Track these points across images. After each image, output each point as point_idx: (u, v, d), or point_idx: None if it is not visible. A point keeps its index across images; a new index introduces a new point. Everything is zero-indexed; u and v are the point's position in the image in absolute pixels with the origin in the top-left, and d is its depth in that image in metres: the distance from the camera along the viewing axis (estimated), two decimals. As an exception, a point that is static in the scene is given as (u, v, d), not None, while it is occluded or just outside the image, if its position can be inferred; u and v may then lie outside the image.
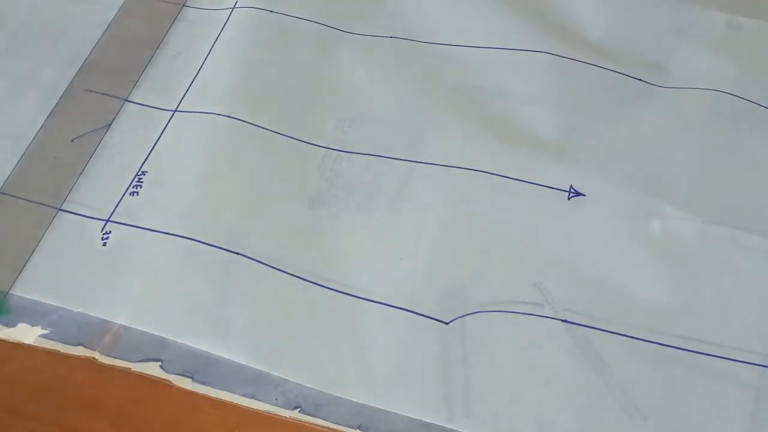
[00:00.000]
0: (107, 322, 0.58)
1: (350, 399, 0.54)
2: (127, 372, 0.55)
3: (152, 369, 0.55)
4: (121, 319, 0.58)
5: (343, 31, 0.73)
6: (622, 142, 0.64)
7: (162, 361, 0.56)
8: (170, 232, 0.61)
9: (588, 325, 0.55)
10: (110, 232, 0.62)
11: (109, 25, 0.75)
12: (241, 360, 0.56)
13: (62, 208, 0.64)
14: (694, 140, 0.63)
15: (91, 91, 0.68)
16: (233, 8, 0.75)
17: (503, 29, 0.71)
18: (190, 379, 0.55)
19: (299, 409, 0.54)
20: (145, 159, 0.66)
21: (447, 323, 0.56)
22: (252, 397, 0.55)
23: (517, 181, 0.62)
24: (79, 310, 0.59)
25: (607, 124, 0.65)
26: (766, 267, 0.57)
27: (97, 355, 0.56)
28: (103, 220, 0.63)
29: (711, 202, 0.60)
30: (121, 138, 0.68)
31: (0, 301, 0.58)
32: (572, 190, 0.61)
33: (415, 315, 0.56)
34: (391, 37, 0.72)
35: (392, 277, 0.58)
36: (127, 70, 0.71)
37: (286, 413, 0.54)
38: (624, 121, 0.65)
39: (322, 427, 0.53)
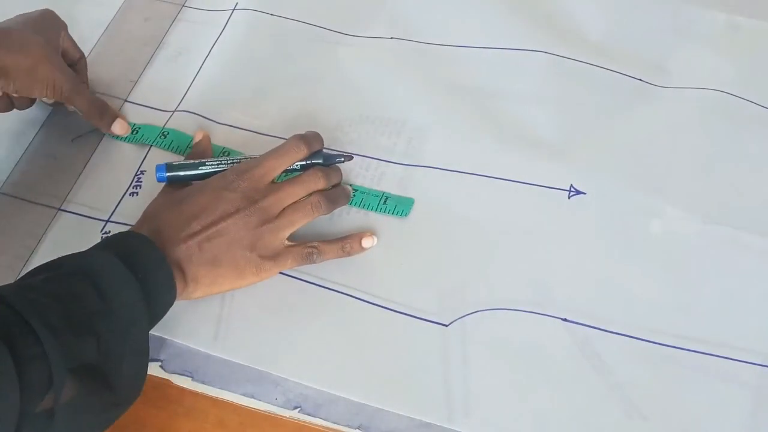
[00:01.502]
0: (107, 322, 0.58)
1: (350, 399, 0.54)
2: (126, 372, 0.55)
3: (152, 368, 0.55)
4: (120, 319, 0.58)
5: (343, 33, 0.73)
6: (622, 141, 0.64)
7: (162, 361, 0.56)
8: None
9: (588, 324, 0.55)
10: (109, 232, 0.62)
11: (109, 25, 0.75)
12: (241, 360, 0.56)
13: (62, 208, 0.64)
14: (694, 140, 0.63)
15: (91, 91, 0.68)
16: (233, 9, 0.75)
17: (503, 30, 0.71)
18: (190, 378, 0.55)
19: (299, 409, 0.54)
20: (144, 158, 0.66)
21: (447, 325, 0.56)
22: (252, 396, 0.55)
23: (517, 183, 0.62)
24: (78, 310, 0.58)
25: (606, 123, 0.65)
26: (766, 267, 0.57)
27: (96, 355, 0.56)
28: (103, 220, 0.63)
29: (711, 202, 0.60)
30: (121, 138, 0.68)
31: None
32: (572, 189, 0.61)
33: (415, 318, 0.56)
34: (391, 38, 0.72)
35: (392, 279, 0.58)
36: (126, 70, 0.71)
37: (286, 413, 0.54)
38: (624, 121, 0.65)
39: (322, 427, 0.53)
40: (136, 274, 0.50)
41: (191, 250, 0.54)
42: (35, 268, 0.51)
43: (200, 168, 0.60)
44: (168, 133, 0.66)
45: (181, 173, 0.60)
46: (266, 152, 0.59)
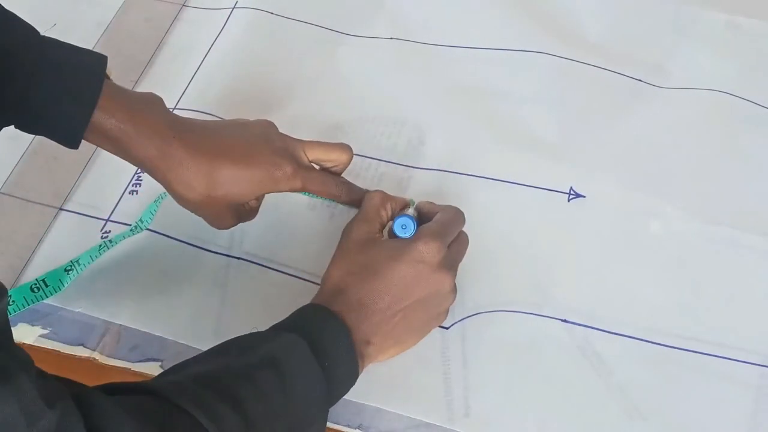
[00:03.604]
0: (107, 322, 0.58)
1: (350, 399, 0.54)
2: (127, 372, 0.55)
3: (152, 369, 0.55)
4: (121, 320, 0.58)
5: (343, 33, 0.73)
6: (621, 142, 0.64)
7: (162, 361, 0.56)
8: (169, 234, 0.62)
9: (588, 325, 0.55)
10: (110, 231, 0.62)
11: (109, 25, 0.75)
12: (241, 360, 0.56)
13: (62, 207, 0.64)
14: (694, 140, 0.63)
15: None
16: (233, 9, 0.75)
17: (503, 30, 0.71)
18: (190, 379, 0.55)
19: (299, 408, 0.54)
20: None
21: (447, 328, 0.56)
22: (252, 396, 0.54)
23: (517, 185, 0.62)
24: (79, 310, 0.58)
25: (606, 125, 0.65)
26: (766, 267, 0.57)
27: (97, 355, 0.56)
28: (103, 219, 0.63)
29: (711, 202, 0.60)
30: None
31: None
32: (572, 192, 0.61)
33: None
34: (390, 38, 0.72)
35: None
36: (126, 70, 0.71)
37: (286, 413, 0.54)
38: (624, 122, 0.65)
39: (322, 426, 0.53)
40: (322, 364, 0.47)
41: (385, 325, 0.51)
42: (226, 343, 0.47)
43: None
44: None
45: None
46: (429, 227, 0.54)
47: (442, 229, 0.54)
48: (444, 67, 0.70)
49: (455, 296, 0.54)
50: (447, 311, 0.55)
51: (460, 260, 0.55)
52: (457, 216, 0.56)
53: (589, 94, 0.67)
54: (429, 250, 0.52)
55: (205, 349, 0.55)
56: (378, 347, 0.51)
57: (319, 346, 0.47)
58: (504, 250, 0.59)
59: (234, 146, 0.54)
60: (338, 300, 0.51)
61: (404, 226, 0.53)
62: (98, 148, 0.66)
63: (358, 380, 0.53)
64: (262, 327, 0.56)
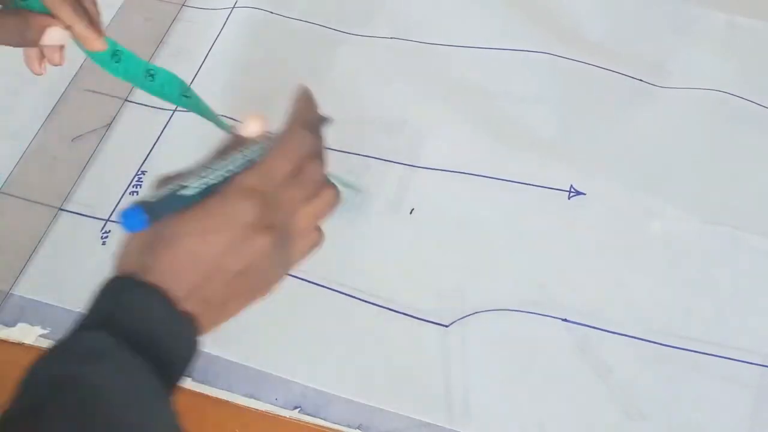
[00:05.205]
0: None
1: (350, 399, 0.54)
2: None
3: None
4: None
5: (343, 32, 0.73)
6: (621, 142, 0.64)
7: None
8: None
9: (588, 324, 0.55)
10: (110, 231, 0.62)
11: (109, 25, 0.75)
12: (241, 360, 0.56)
13: (62, 207, 0.64)
14: (694, 140, 0.63)
15: (91, 90, 0.68)
16: (233, 8, 0.75)
17: (503, 30, 0.71)
18: (190, 378, 0.55)
19: (299, 409, 0.54)
20: (145, 158, 0.66)
21: (447, 326, 0.56)
22: (252, 397, 0.55)
23: (517, 184, 0.62)
24: (79, 310, 0.58)
25: (606, 124, 0.65)
26: (766, 267, 0.57)
27: (96, 355, 0.56)
28: (103, 219, 0.63)
29: (711, 202, 0.60)
30: (121, 138, 0.67)
31: None
32: (572, 190, 0.61)
33: (415, 319, 0.57)
34: (391, 38, 0.72)
35: (392, 279, 0.58)
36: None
37: (286, 413, 0.54)
38: (624, 121, 0.65)
39: (322, 427, 0.53)
40: (148, 352, 0.38)
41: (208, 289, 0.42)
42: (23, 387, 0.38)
43: (182, 192, 0.41)
44: (155, 74, 0.52)
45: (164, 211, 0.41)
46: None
47: (262, 179, 0.43)
48: (444, 67, 0.70)
49: (290, 260, 0.44)
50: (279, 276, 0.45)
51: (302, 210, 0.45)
52: (288, 152, 0.45)
53: (589, 93, 0.67)
54: (241, 211, 0.41)
55: (205, 348, 0.55)
56: (209, 310, 0.43)
57: (135, 335, 0.39)
58: (504, 249, 0.59)
59: None
60: (134, 259, 0.41)
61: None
62: (98, 147, 0.67)
63: (357, 380, 0.53)
64: (263, 327, 0.56)
